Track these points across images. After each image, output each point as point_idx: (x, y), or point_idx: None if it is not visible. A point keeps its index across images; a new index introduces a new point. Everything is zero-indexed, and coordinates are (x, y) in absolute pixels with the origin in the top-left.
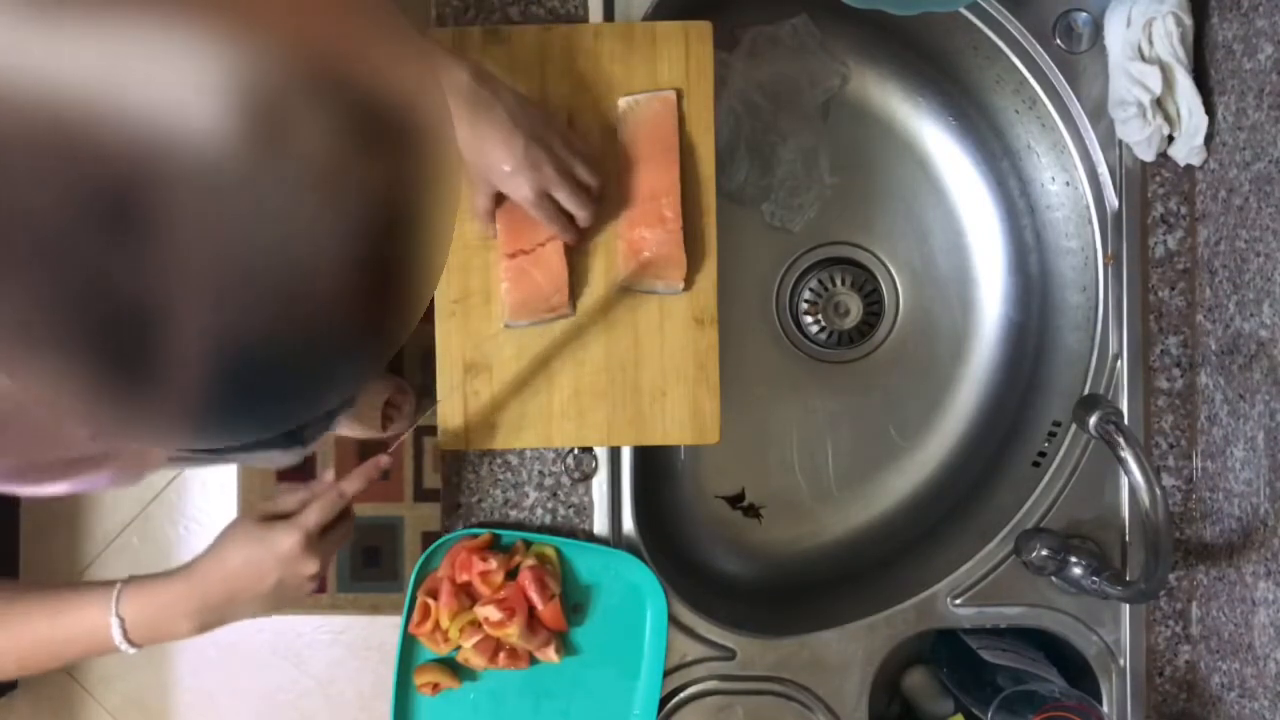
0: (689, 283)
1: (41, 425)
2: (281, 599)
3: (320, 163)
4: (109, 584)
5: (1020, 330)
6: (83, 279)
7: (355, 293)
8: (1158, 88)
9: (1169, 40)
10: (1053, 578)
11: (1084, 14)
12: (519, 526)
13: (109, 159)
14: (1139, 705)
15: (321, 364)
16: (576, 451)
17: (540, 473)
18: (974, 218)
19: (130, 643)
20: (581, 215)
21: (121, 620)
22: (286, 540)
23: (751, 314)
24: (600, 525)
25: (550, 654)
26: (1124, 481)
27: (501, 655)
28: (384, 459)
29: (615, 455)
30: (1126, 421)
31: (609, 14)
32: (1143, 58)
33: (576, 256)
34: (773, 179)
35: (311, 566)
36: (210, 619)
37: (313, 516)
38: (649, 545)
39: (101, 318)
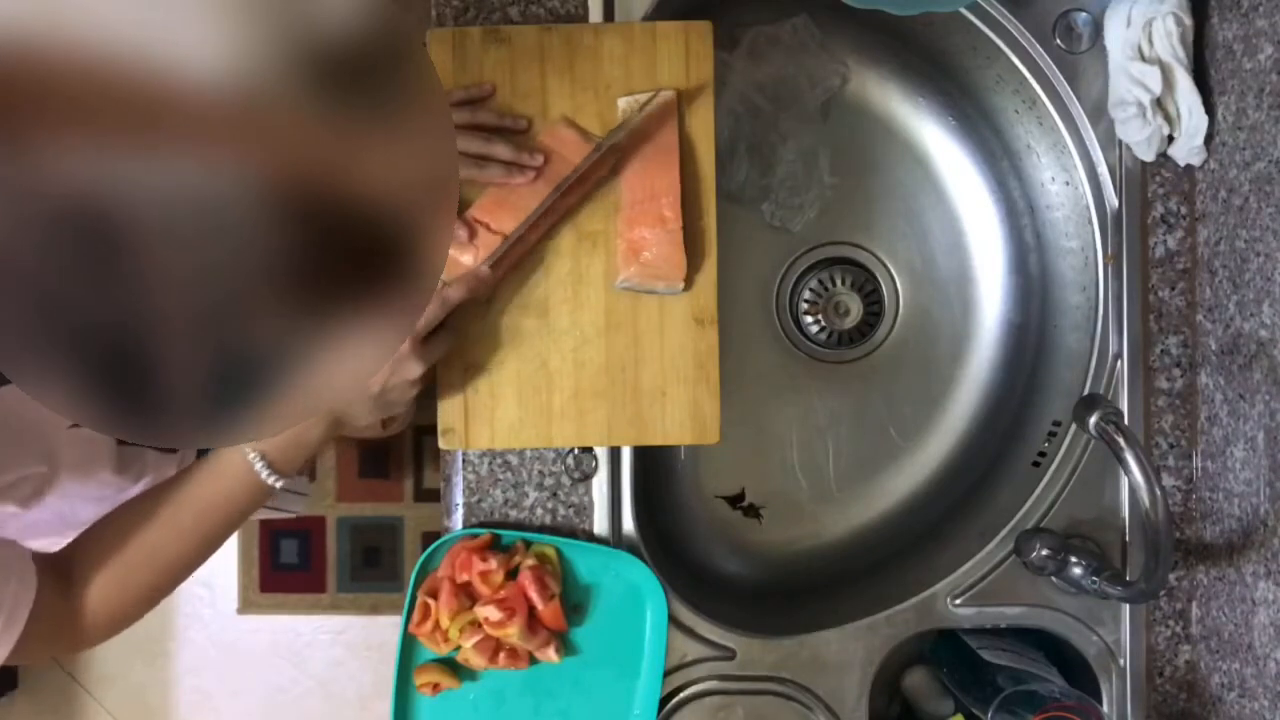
0: (689, 283)
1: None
2: (387, 403)
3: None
4: None
5: (1020, 330)
6: (74, 305)
7: (344, 301)
8: (1158, 88)
9: (1169, 40)
10: (1053, 578)
11: (1084, 14)
12: (519, 526)
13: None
14: (1139, 705)
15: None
16: (576, 451)
17: (540, 473)
18: (974, 218)
19: (276, 472)
20: (500, 152)
21: (261, 454)
22: None
23: (751, 314)
24: (600, 525)
25: (550, 654)
26: (1124, 481)
27: (501, 655)
28: (484, 269)
29: (615, 455)
30: (1126, 421)
31: (609, 14)
32: (1143, 58)
33: (578, 256)
34: (773, 179)
35: (416, 369)
36: (333, 422)
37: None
38: (649, 545)
39: (100, 335)
